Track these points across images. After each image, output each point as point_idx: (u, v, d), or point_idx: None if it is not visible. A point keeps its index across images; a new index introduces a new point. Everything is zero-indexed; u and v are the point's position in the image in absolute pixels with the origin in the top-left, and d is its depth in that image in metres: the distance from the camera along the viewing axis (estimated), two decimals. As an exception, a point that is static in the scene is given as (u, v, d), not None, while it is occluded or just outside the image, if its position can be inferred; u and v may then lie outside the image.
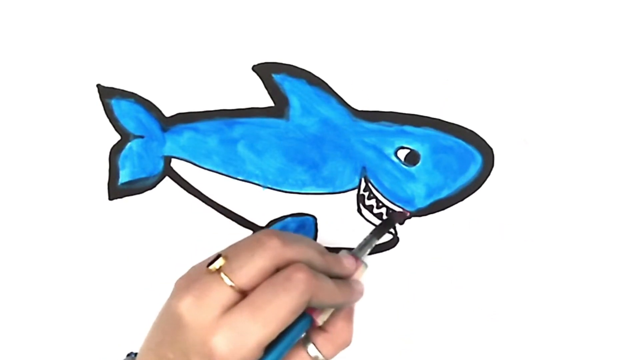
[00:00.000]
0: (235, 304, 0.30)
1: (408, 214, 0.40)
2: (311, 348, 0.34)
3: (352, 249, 0.38)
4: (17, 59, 0.42)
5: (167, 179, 0.43)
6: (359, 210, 0.41)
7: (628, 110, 0.38)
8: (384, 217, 0.41)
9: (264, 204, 0.42)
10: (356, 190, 0.41)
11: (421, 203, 0.41)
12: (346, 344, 0.35)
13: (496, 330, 0.41)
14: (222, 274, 0.31)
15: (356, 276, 0.36)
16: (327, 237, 0.42)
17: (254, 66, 0.40)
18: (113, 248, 0.44)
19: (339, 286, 0.33)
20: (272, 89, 0.41)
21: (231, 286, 0.30)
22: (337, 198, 0.41)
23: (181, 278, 0.32)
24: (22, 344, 0.46)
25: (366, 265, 0.37)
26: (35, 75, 0.42)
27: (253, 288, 0.31)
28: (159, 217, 0.43)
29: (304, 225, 0.42)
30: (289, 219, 0.42)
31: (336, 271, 0.35)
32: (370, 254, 0.41)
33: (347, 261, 0.36)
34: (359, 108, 0.40)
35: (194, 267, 0.33)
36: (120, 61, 0.42)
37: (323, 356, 0.34)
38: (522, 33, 0.38)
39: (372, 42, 0.39)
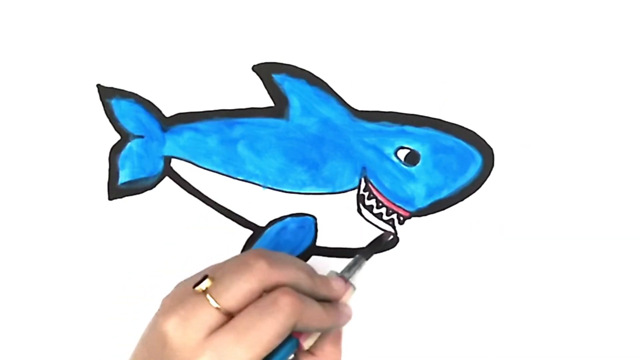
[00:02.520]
0: (220, 325, 0.30)
1: (393, 234, 0.40)
2: None
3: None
4: (17, 59, 0.42)
5: (167, 179, 0.43)
6: (359, 210, 0.41)
7: (628, 110, 0.38)
8: (382, 218, 0.41)
9: (264, 204, 0.42)
10: (356, 190, 0.41)
11: (421, 203, 0.41)
12: None
13: (496, 330, 0.41)
14: (208, 296, 0.30)
15: (344, 299, 0.36)
16: (327, 237, 0.42)
17: (254, 66, 0.40)
18: (113, 248, 0.44)
19: (326, 310, 0.33)
20: (272, 89, 0.41)
21: (217, 308, 0.30)
22: (337, 198, 0.41)
23: (167, 297, 0.32)
24: (20, 344, 0.46)
25: (354, 288, 0.36)
26: (36, 75, 0.42)
27: (239, 310, 0.30)
28: (159, 217, 0.43)
29: (304, 225, 0.42)
30: (288, 219, 0.42)
31: (324, 293, 0.34)
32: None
33: (336, 283, 0.35)
34: (359, 108, 0.40)
35: (179, 285, 0.33)
36: (120, 61, 0.42)
37: None
38: (522, 33, 0.38)
39: (372, 42, 0.39)
